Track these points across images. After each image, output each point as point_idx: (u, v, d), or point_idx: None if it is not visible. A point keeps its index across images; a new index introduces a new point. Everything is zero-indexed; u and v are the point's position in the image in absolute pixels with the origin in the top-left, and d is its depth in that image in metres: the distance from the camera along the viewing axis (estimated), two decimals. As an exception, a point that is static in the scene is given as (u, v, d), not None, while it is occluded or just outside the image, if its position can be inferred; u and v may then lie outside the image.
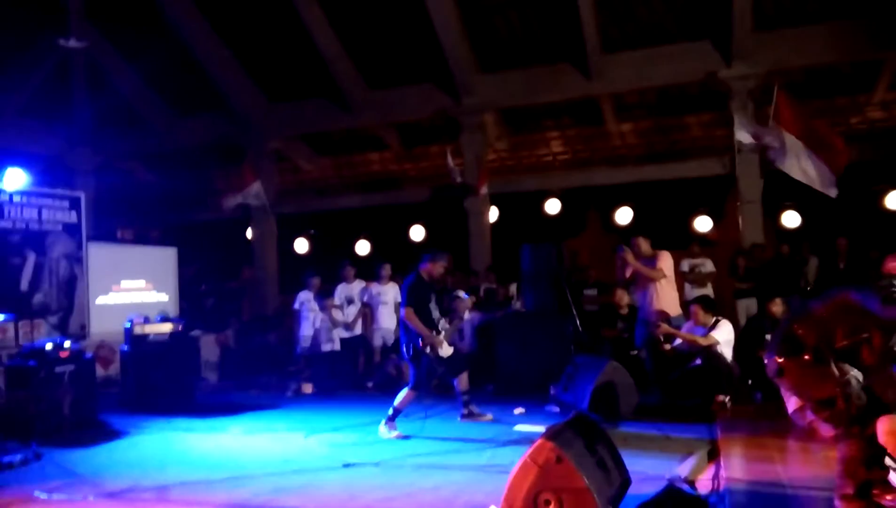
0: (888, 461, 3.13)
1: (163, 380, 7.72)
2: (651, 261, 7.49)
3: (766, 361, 3.44)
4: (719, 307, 7.31)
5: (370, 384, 8.95)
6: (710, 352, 6.67)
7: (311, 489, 4.54)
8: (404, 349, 6.26)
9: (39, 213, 8.80)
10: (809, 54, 9.43)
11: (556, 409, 6.77)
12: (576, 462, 3.33)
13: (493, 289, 9.86)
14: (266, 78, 12.01)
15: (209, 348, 10.37)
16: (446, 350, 6.16)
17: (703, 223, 10.51)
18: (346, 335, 9.24)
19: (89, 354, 7.25)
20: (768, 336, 4.23)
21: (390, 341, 9.08)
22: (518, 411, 6.85)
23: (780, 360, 3.31)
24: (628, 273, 7.63)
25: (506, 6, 10.04)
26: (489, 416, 6.52)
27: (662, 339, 7.08)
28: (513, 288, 9.68)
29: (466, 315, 8.86)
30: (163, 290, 10.90)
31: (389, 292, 9.08)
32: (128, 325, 7.88)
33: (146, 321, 8.02)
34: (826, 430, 3.35)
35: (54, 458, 5.43)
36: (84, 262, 9.36)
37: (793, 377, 3.35)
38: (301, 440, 6.07)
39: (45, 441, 5.75)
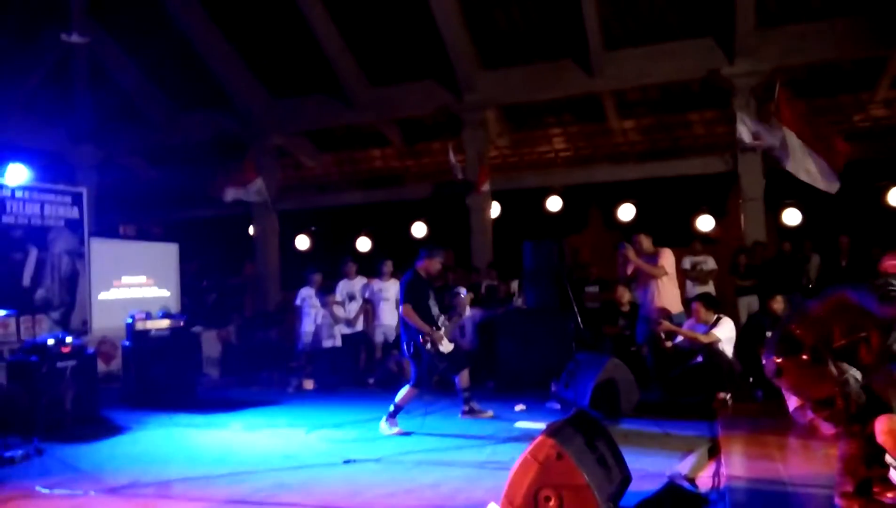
0: (888, 458, 3.13)
1: (164, 376, 7.73)
2: (652, 258, 7.48)
3: (764, 362, 3.44)
4: (721, 305, 7.31)
5: (371, 381, 8.95)
6: (712, 349, 6.67)
7: (311, 485, 4.55)
8: (405, 347, 6.26)
9: (41, 208, 8.81)
10: (812, 51, 9.41)
11: (557, 406, 6.77)
12: (576, 459, 3.33)
13: (495, 286, 9.86)
14: (268, 74, 12.00)
15: (211, 344, 10.39)
16: (447, 346, 6.16)
17: (705, 221, 10.50)
18: (347, 331, 9.25)
19: (91, 349, 7.27)
20: (769, 334, 4.22)
21: (392, 337, 9.09)
22: (519, 408, 6.86)
23: (779, 360, 3.32)
24: (630, 270, 7.63)
25: (508, 2, 10.02)
26: (490, 413, 6.52)
27: (664, 336, 7.08)
28: (514, 285, 9.68)
29: (467, 312, 8.87)
30: (164, 286, 10.92)
31: (391, 289, 9.08)
32: (129, 321, 7.88)
33: (148, 316, 8.03)
34: (826, 428, 3.36)
35: (56, 453, 5.44)
36: (86, 257, 9.37)
37: (791, 377, 3.35)
38: (302, 437, 6.08)
39: (46, 437, 5.75)
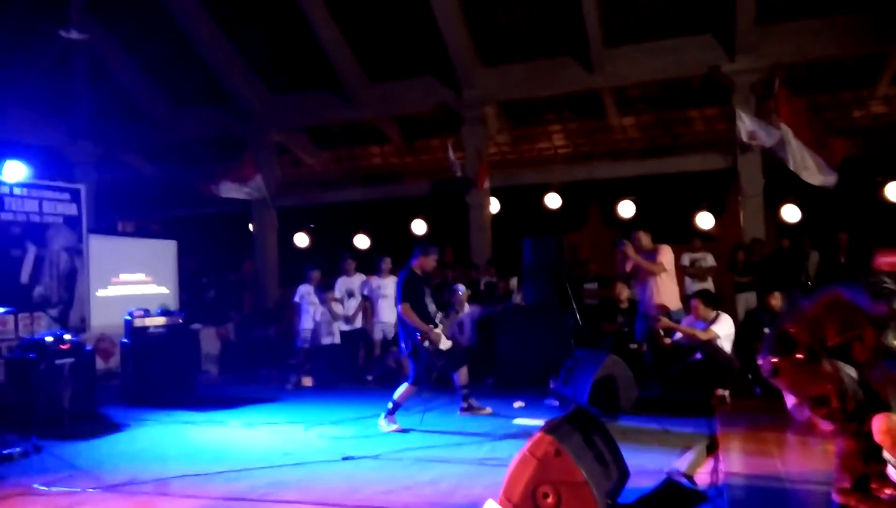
0: (886, 455, 3.13)
1: (163, 373, 7.72)
2: (651, 255, 7.48)
3: (760, 362, 3.44)
4: (719, 302, 7.31)
5: (370, 378, 8.96)
6: (710, 346, 6.67)
7: (310, 482, 4.55)
8: (403, 345, 6.26)
9: (40, 205, 8.81)
10: (813, 48, 9.39)
11: (556, 403, 6.78)
12: (574, 456, 3.33)
13: (494, 283, 9.86)
14: (267, 70, 11.98)
15: (209, 341, 10.39)
16: (445, 343, 6.16)
17: (704, 218, 10.50)
18: (346, 328, 9.25)
19: (89, 346, 7.26)
20: (767, 331, 4.22)
21: (390, 334, 9.09)
22: (517, 404, 6.86)
23: (775, 360, 3.32)
24: (629, 267, 7.62)
25: (507, -2, 10.01)
26: (488, 410, 6.52)
27: (662, 333, 7.08)
28: (513, 282, 9.68)
29: (465, 309, 8.87)
30: (163, 283, 10.91)
31: (390, 286, 9.06)
32: (128, 318, 7.88)
33: (146, 313, 8.03)
34: (824, 425, 3.35)
35: (54, 451, 5.43)
36: (84, 254, 9.37)
37: (788, 377, 3.35)
38: (301, 433, 6.08)
39: (44, 434, 5.76)
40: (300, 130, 12.93)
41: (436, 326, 6.14)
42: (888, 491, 3.18)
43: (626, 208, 10.97)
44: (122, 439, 6.07)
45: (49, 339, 6.58)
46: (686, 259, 9.29)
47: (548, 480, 3.30)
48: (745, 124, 8.90)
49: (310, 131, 13.18)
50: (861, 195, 9.74)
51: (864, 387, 3.18)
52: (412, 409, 6.33)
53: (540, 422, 4.97)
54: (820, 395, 3.22)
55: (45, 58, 11.64)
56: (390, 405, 6.05)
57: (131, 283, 10.48)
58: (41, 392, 6.30)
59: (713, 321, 6.79)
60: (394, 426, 5.98)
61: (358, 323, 9.33)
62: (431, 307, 6.23)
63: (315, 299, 9.10)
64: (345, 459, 5.04)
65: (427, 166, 13.12)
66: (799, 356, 3.24)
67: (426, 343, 6.04)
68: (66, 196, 9.15)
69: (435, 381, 7.36)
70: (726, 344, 6.73)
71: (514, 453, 3.54)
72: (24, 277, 8.57)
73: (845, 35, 9.15)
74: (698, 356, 6.79)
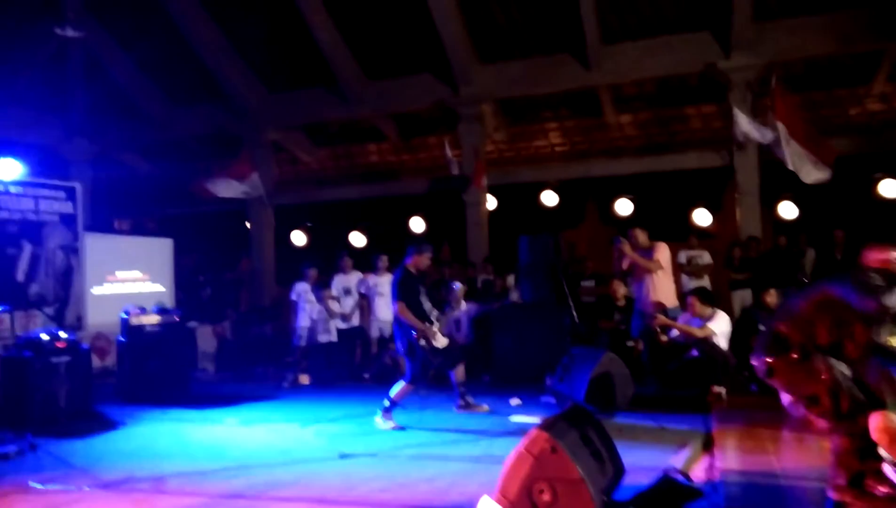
0: (881, 452, 3.14)
1: (159, 371, 7.71)
2: (648, 252, 7.49)
3: (754, 363, 3.44)
4: (716, 299, 7.32)
5: (367, 376, 8.96)
6: (707, 343, 6.68)
7: (306, 479, 4.54)
8: (399, 344, 6.25)
9: (36, 203, 8.78)
10: (809, 45, 9.40)
11: (553, 400, 6.78)
12: (571, 453, 3.33)
13: (491, 280, 9.86)
14: (264, 68, 11.96)
15: (206, 339, 10.38)
16: (441, 341, 6.15)
17: (701, 215, 10.51)
18: (343, 326, 9.24)
19: (85, 345, 7.23)
20: (762, 327, 4.23)
21: (387, 332, 9.07)
22: (514, 402, 6.87)
23: (770, 360, 3.32)
24: (625, 265, 7.63)
25: (504, -4, 10.00)
26: (485, 407, 6.53)
27: (659, 330, 7.09)
28: (510, 279, 9.69)
29: (462, 306, 8.87)
30: (159, 281, 10.89)
31: (387, 284, 9.03)
32: (124, 316, 7.86)
33: (142, 311, 8.00)
34: (820, 422, 3.36)
35: (50, 449, 5.41)
36: (80, 252, 9.35)
37: (783, 377, 3.36)
38: (297, 431, 6.08)
39: (40, 432, 5.74)
40: (297, 127, 12.91)
41: (432, 324, 6.14)
42: (883, 488, 3.19)
43: (624, 206, 10.98)
44: (119, 437, 6.06)
45: (45, 337, 6.56)
46: (683, 257, 9.30)
47: (544, 477, 3.30)
48: (739, 126, 8.92)
49: (307, 129, 13.16)
50: (857, 193, 9.75)
51: (860, 385, 3.18)
52: (409, 407, 6.32)
53: (536, 419, 4.98)
54: (814, 394, 3.22)
55: (41, 55, 11.61)
56: (387, 402, 6.05)
57: (127, 281, 10.47)
58: (37, 390, 6.29)
59: (709, 318, 6.81)
60: (390, 424, 5.98)
61: (355, 321, 9.32)
62: (427, 306, 6.23)
63: (312, 297, 9.09)
64: (341, 457, 5.03)
65: (424, 164, 13.11)
66: (793, 355, 3.25)
67: (422, 342, 6.04)
68: (62, 194, 9.13)
69: (432, 379, 7.36)
70: (722, 341, 6.75)
71: (511, 450, 3.54)
72: (20, 275, 8.56)
73: (842, 32, 9.15)
74: (695, 353, 6.80)
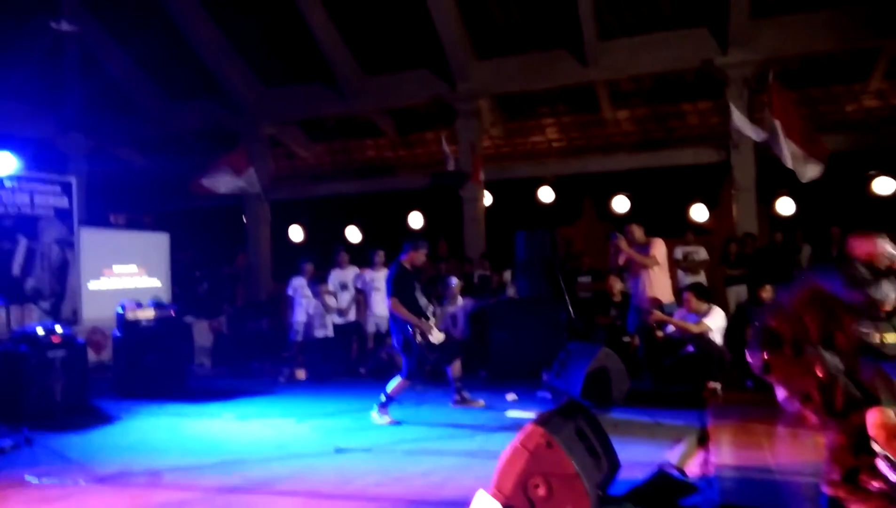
0: (876, 447, 3.15)
1: (155, 365, 7.69)
2: (644, 248, 7.49)
3: (749, 359, 3.45)
4: (711, 295, 7.33)
5: (363, 371, 8.96)
6: (702, 339, 6.70)
7: (302, 474, 4.55)
8: (395, 340, 6.25)
9: (31, 197, 8.76)
10: (806, 42, 9.40)
11: (549, 395, 6.79)
12: (566, 448, 3.34)
13: (487, 276, 9.87)
14: (260, 63, 11.92)
15: (202, 333, 10.37)
16: (437, 336, 6.16)
17: (698, 211, 10.52)
18: (339, 321, 9.24)
19: (81, 339, 7.23)
20: (754, 323, 4.24)
21: (384, 327, 9.07)
22: (510, 397, 6.87)
23: (766, 356, 3.33)
24: (621, 260, 7.63)
25: (501, -9, 9.98)
26: (481, 402, 6.54)
27: (655, 326, 7.10)
28: (507, 275, 9.68)
29: (458, 301, 8.87)
30: (155, 275, 10.88)
31: (383, 279, 9.02)
32: (120, 310, 7.85)
33: (139, 306, 7.99)
34: (814, 418, 3.37)
35: (45, 443, 5.41)
36: (76, 247, 9.33)
37: (779, 372, 3.36)
38: (293, 426, 6.09)
39: (36, 426, 5.74)
40: (294, 122, 12.88)
41: (427, 319, 6.14)
42: (877, 484, 3.20)
43: (620, 202, 10.99)
44: (114, 431, 6.06)
45: (41, 331, 6.55)
46: (679, 253, 9.32)
47: (539, 472, 3.31)
48: (734, 122, 8.94)
49: (303, 124, 13.13)
50: (853, 189, 9.77)
51: (854, 380, 3.19)
52: (405, 402, 6.33)
53: (532, 415, 4.99)
54: (807, 389, 3.24)
55: (36, 49, 11.54)
56: (383, 397, 6.05)
57: (124, 276, 10.45)
58: (33, 385, 6.28)
59: (705, 314, 6.82)
60: (387, 419, 5.98)
61: (351, 316, 9.32)
62: (422, 301, 6.23)
63: (308, 292, 9.09)
64: (337, 451, 5.04)
65: (421, 160, 13.10)
66: (787, 351, 3.26)
67: (418, 337, 6.04)
68: (58, 189, 9.10)
69: (428, 374, 7.38)
70: (718, 337, 6.77)
71: (507, 445, 3.55)
72: (16, 269, 8.53)
73: (839, 29, 9.16)
74: (690, 348, 6.82)
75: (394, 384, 6.08)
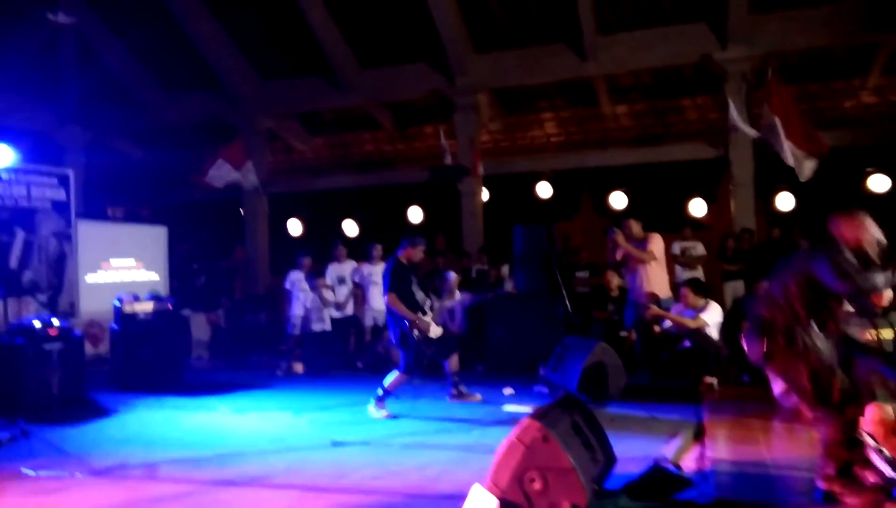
0: (871, 441, 3.16)
1: (152, 358, 7.69)
2: (642, 243, 7.50)
3: (747, 349, 3.46)
4: (708, 291, 7.34)
5: (360, 364, 8.97)
6: (699, 334, 6.71)
7: (299, 467, 4.56)
8: (392, 334, 6.25)
9: (28, 190, 8.73)
10: (805, 37, 9.39)
11: (545, 390, 6.80)
12: (562, 442, 3.34)
13: (485, 270, 9.87)
14: (258, 56, 11.89)
15: (200, 327, 10.38)
16: (435, 331, 6.16)
17: (696, 206, 10.52)
18: (337, 314, 9.24)
19: (78, 332, 7.21)
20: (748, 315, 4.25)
21: (381, 321, 9.07)
22: (507, 391, 6.88)
23: (765, 346, 3.35)
24: (619, 255, 7.64)
25: (501, -15, 9.95)
26: (478, 396, 6.55)
27: (652, 321, 7.11)
28: (504, 269, 9.69)
29: (456, 296, 8.88)
30: (153, 268, 10.87)
31: (381, 273, 9.04)
32: (117, 303, 7.84)
33: (136, 299, 7.98)
34: (809, 412, 3.38)
35: (42, 435, 5.40)
36: (73, 240, 9.31)
37: (779, 361, 3.38)
38: (290, 419, 6.09)
39: (32, 419, 5.73)
40: (292, 116, 12.86)
41: (425, 314, 6.14)
42: (871, 478, 3.22)
43: (618, 198, 10.99)
44: (111, 424, 6.06)
45: (38, 324, 6.54)
46: (676, 248, 9.32)
47: (535, 466, 3.32)
48: (731, 117, 8.93)
49: (301, 118, 13.10)
50: (852, 185, 9.77)
51: (848, 374, 3.21)
52: (402, 395, 6.33)
53: (529, 409, 5.00)
54: (800, 378, 3.25)
55: (33, 41, 11.50)
56: (380, 391, 6.05)
57: (121, 269, 10.43)
58: (29, 377, 6.28)
59: (702, 309, 6.83)
60: (383, 413, 5.99)
61: (349, 310, 9.32)
62: (419, 296, 6.22)
63: (306, 285, 9.08)
64: (334, 444, 5.05)
65: (419, 153, 13.08)
66: (780, 340, 3.27)
67: (415, 332, 6.04)
68: (55, 181, 9.08)
69: (426, 368, 7.38)
70: (714, 332, 6.78)
71: (503, 439, 3.55)
72: (13, 262, 8.51)
73: (837, 25, 9.15)
74: (687, 343, 6.84)
75: (391, 378, 6.08)
